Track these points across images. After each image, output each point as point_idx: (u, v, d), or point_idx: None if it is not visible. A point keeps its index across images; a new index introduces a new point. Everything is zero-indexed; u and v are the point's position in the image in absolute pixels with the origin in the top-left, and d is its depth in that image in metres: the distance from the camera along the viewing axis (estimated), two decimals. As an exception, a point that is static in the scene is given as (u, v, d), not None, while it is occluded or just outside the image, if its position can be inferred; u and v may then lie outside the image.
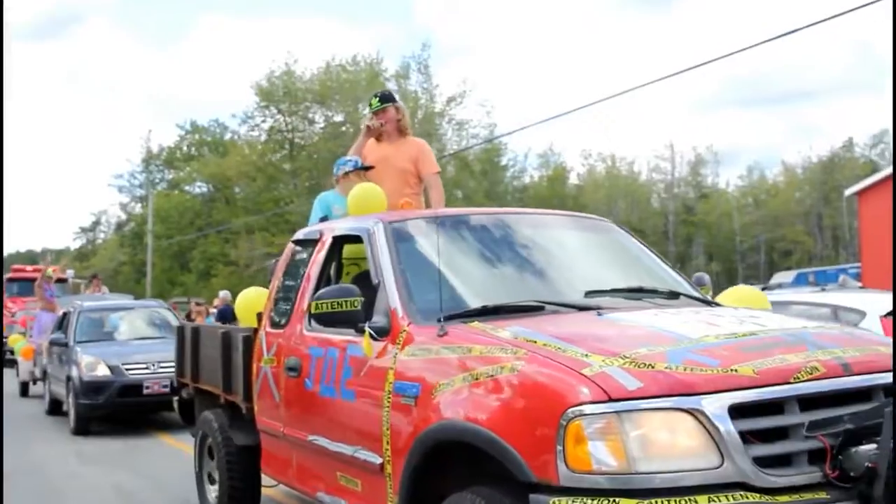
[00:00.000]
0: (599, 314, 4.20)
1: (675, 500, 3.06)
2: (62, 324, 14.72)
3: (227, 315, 16.75)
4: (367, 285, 4.67)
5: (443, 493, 3.81)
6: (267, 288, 6.58)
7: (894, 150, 45.19)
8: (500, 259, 4.97)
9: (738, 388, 3.25)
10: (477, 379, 3.66)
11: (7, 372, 18.54)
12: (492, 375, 3.59)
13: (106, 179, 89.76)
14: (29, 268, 32.48)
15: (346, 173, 6.82)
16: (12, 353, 19.81)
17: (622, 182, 68.61)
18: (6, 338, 21.27)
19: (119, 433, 12.55)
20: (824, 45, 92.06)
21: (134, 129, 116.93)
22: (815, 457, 3.25)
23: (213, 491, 6.75)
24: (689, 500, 3.06)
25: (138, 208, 64.43)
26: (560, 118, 36.14)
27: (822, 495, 3.18)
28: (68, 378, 12.98)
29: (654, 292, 4.79)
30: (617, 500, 3.09)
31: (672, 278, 5.24)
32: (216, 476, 6.62)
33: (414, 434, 3.93)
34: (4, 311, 23.77)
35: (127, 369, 12.64)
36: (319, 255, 5.55)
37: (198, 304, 23.77)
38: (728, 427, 3.14)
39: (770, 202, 68.70)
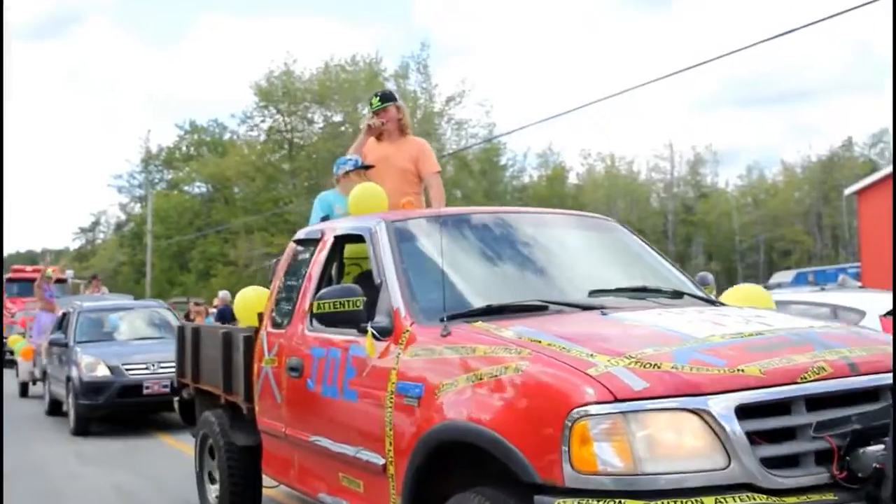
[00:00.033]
0: (604, 314, 4.17)
1: (682, 502, 3.03)
2: (62, 324, 14.68)
3: (226, 315, 16.75)
4: (368, 285, 4.65)
5: (446, 494, 3.79)
6: (265, 287, 6.56)
7: (894, 150, 45.15)
8: (502, 258, 4.94)
9: (744, 388, 3.22)
10: (481, 379, 3.63)
11: (7, 372, 18.49)
12: (496, 375, 3.57)
13: (105, 180, 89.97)
14: (28, 268, 32.44)
15: (347, 172, 6.79)
16: (12, 353, 19.78)
17: (621, 182, 68.59)
18: (6, 338, 21.24)
19: (119, 433, 12.52)
20: (823, 44, 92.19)
21: (133, 130, 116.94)
22: (823, 457, 3.22)
23: (213, 491, 6.72)
24: (696, 501, 3.03)
25: (137, 208, 64.43)
26: (559, 118, 36.08)
27: (830, 496, 3.15)
28: (68, 378, 12.95)
29: (658, 292, 4.77)
30: (623, 501, 3.06)
31: (676, 278, 5.22)
32: (217, 476, 6.59)
33: (417, 434, 3.90)
34: (4, 312, 23.71)
35: (127, 370, 12.61)
36: (321, 254, 5.52)
37: (196, 304, 23.75)
38: (735, 427, 3.11)
39: (769, 202, 68.70)
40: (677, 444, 3.14)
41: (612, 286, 4.72)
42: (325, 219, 6.38)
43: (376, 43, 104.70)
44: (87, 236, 75.20)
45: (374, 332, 4.37)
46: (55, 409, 14.48)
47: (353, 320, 4.48)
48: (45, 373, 15.34)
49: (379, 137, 7.12)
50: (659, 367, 3.29)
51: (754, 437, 3.15)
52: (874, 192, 33.02)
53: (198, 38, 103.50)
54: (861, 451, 3.17)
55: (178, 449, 10.82)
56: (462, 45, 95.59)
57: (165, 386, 12.11)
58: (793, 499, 3.12)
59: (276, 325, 5.78)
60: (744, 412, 3.16)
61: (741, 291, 5.33)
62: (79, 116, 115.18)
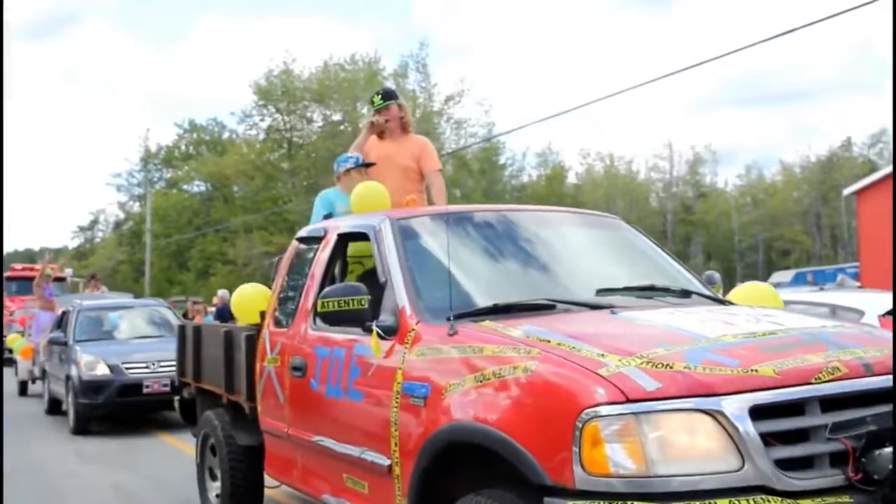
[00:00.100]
0: (613, 313, 4.12)
1: None
2: (61, 322, 14.63)
3: (224, 314, 16.72)
4: (372, 284, 4.58)
5: (452, 496, 3.73)
6: (263, 285, 6.51)
7: (894, 150, 45.15)
8: (508, 257, 4.89)
9: (758, 388, 3.17)
10: (489, 379, 3.58)
11: (6, 371, 18.43)
12: (504, 375, 3.51)
13: (104, 178, 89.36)
14: (18, 266, 32.41)
15: (348, 170, 6.75)
16: (11, 352, 19.72)
17: (620, 181, 68.55)
18: (5, 336, 21.18)
19: (119, 432, 12.47)
20: (822, 44, 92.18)
21: (132, 128, 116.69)
22: (837, 459, 3.17)
23: (214, 489, 6.67)
24: (710, 503, 2.98)
25: (136, 207, 64.34)
26: (558, 117, 36.00)
27: (845, 499, 3.10)
28: (67, 377, 12.88)
29: (666, 291, 4.72)
30: (635, 503, 3.01)
31: (683, 276, 5.17)
32: (218, 472, 6.54)
33: (423, 435, 3.85)
34: (4, 311, 23.65)
35: (127, 368, 12.55)
36: (324, 252, 5.47)
37: (195, 302, 23.72)
38: (749, 428, 3.06)
39: (768, 201, 68.68)
40: (690, 446, 3.09)
41: (619, 285, 4.66)
42: (327, 217, 6.33)
43: (375, 42, 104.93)
44: (86, 235, 75.15)
45: (379, 330, 4.32)
46: (54, 408, 14.43)
47: (357, 319, 4.42)
48: (44, 371, 15.28)
49: (381, 135, 7.09)
50: (671, 368, 3.24)
51: (768, 439, 3.10)
52: (873, 192, 33.01)
53: (197, 38, 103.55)
54: (877, 452, 3.12)
55: (178, 448, 10.78)
56: (461, 44, 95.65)
57: (165, 385, 12.04)
58: (808, 501, 3.07)
59: (278, 323, 5.73)
60: (757, 413, 3.11)
61: (749, 290, 5.24)
62: (78, 115, 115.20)
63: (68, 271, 29.90)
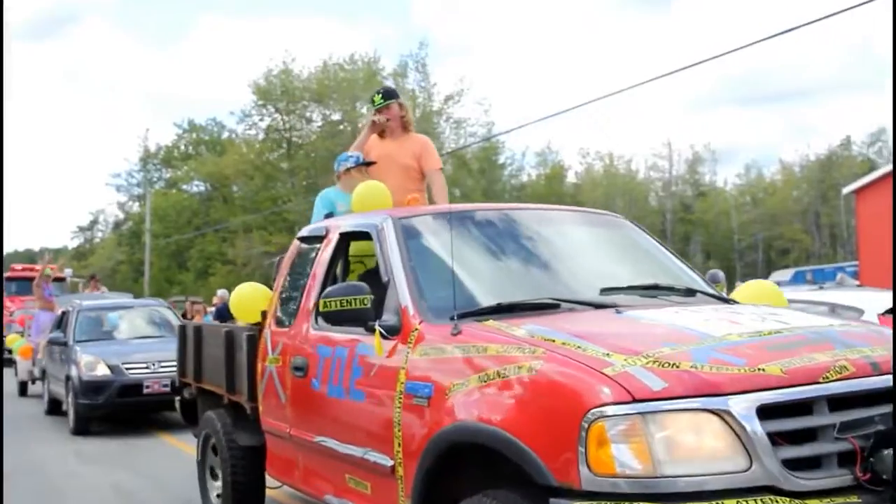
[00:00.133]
0: (618, 312, 4.09)
1: None
2: (61, 323, 14.60)
3: (224, 314, 16.67)
4: (373, 283, 4.56)
5: (456, 497, 3.72)
6: (262, 284, 6.48)
7: (894, 149, 45.16)
8: (512, 255, 4.86)
9: (765, 387, 3.14)
10: (493, 379, 3.55)
11: (5, 371, 18.40)
12: (509, 375, 3.49)
13: (104, 178, 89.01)
14: (18, 266, 32.39)
15: (348, 169, 6.73)
16: (10, 352, 19.69)
17: (620, 180, 68.54)
18: (4, 337, 21.16)
19: (119, 433, 12.44)
20: (822, 43, 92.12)
21: (131, 128, 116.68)
22: (845, 459, 3.15)
23: (216, 488, 6.64)
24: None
25: (136, 207, 64.30)
26: (558, 117, 36.01)
27: (854, 499, 3.08)
28: (67, 378, 12.85)
29: (670, 289, 4.69)
30: (642, 504, 2.99)
31: (687, 275, 5.14)
32: (219, 472, 6.51)
33: (427, 436, 3.82)
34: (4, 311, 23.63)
35: (127, 369, 12.51)
36: (325, 252, 5.45)
37: (194, 302, 23.70)
38: (756, 428, 3.04)
39: (768, 200, 68.68)
40: (697, 446, 3.06)
41: (623, 284, 4.63)
42: (328, 216, 6.31)
43: (375, 42, 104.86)
44: (86, 235, 75.11)
45: (382, 330, 4.29)
46: (54, 408, 14.39)
47: (360, 319, 4.39)
48: (44, 372, 15.25)
49: (381, 134, 7.07)
50: (677, 367, 3.21)
51: (775, 438, 3.08)
52: (872, 190, 33.00)
53: (196, 38, 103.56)
54: (885, 452, 3.09)
55: (179, 448, 10.76)
56: (460, 43, 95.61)
57: (166, 385, 12.01)
58: (815, 501, 3.04)
59: (280, 323, 5.71)
60: (765, 412, 3.08)
61: (753, 288, 5.21)
62: (77, 115, 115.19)
63: (68, 271, 29.90)
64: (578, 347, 3.44)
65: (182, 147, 64.84)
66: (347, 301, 4.33)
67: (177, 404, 7.95)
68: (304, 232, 6.03)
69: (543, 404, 3.30)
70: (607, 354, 3.33)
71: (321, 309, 4.44)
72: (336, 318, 4.46)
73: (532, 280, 4.69)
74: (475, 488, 3.61)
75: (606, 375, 3.18)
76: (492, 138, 53.56)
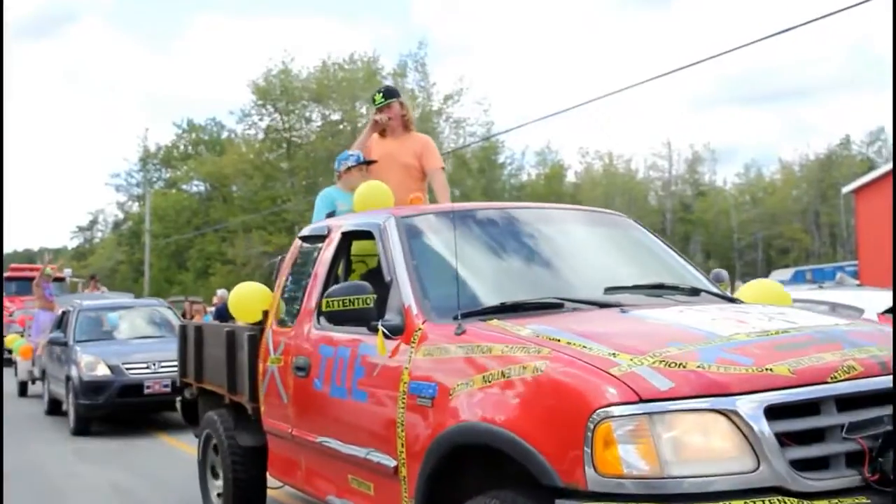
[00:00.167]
0: (623, 311, 4.06)
1: None
2: (61, 323, 14.57)
3: (224, 314, 16.64)
4: (376, 283, 4.52)
5: (460, 498, 3.69)
6: (261, 284, 6.45)
7: (894, 148, 45.15)
8: (515, 255, 4.84)
9: (773, 388, 3.12)
10: (497, 379, 3.52)
11: (5, 371, 18.38)
12: (514, 376, 3.46)
13: (103, 178, 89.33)
14: (17, 266, 32.36)
15: (349, 168, 6.70)
16: (10, 352, 19.66)
17: (619, 180, 68.55)
18: (4, 336, 21.14)
19: (119, 433, 12.42)
20: (821, 42, 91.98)
21: (131, 128, 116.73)
22: (853, 459, 3.12)
23: (217, 488, 6.62)
24: None
25: (135, 207, 64.29)
26: (557, 116, 36.00)
27: (862, 500, 3.04)
28: (68, 378, 12.82)
29: (675, 289, 4.67)
30: (648, 505, 2.96)
31: (691, 274, 5.12)
32: (220, 471, 6.49)
33: (431, 436, 3.79)
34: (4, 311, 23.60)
35: (127, 369, 12.48)
36: (327, 251, 5.42)
37: (193, 302, 23.71)
38: (764, 428, 3.01)
39: (767, 200, 68.68)
40: (705, 447, 3.04)
41: (627, 283, 4.60)
42: (330, 215, 6.28)
43: (374, 42, 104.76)
44: (85, 235, 75.15)
45: (385, 330, 4.26)
46: (54, 408, 14.37)
47: (362, 318, 4.36)
48: (44, 372, 15.22)
49: (382, 133, 7.05)
50: (684, 367, 3.18)
51: (783, 439, 3.05)
52: (872, 190, 32.99)
53: (195, 38, 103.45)
54: (893, 452, 3.07)
55: (179, 448, 10.75)
56: (460, 43, 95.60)
57: (166, 385, 12.01)
58: (823, 502, 3.02)
59: (281, 323, 5.68)
60: (772, 413, 3.06)
61: (758, 288, 5.18)
62: (76, 115, 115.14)
63: (67, 271, 29.86)
64: (584, 347, 3.41)
65: (181, 147, 64.79)
66: (350, 301, 4.31)
67: (177, 404, 7.92)
68: (306, 231, 6.00)
69: (549, 405, 3.28)
70: (613, 354, 3.30)
71: (324, 308, 4.41)
72: (339, 318, 4.43)
73: (536, 279, 4.67)
74: (480, 489, 3.59)
75: (613, 375, 3.16)
76: (491, 138, 53.58)
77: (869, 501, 3.05)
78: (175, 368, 8.08)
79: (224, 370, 6.30)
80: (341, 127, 52.48)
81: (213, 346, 6.68)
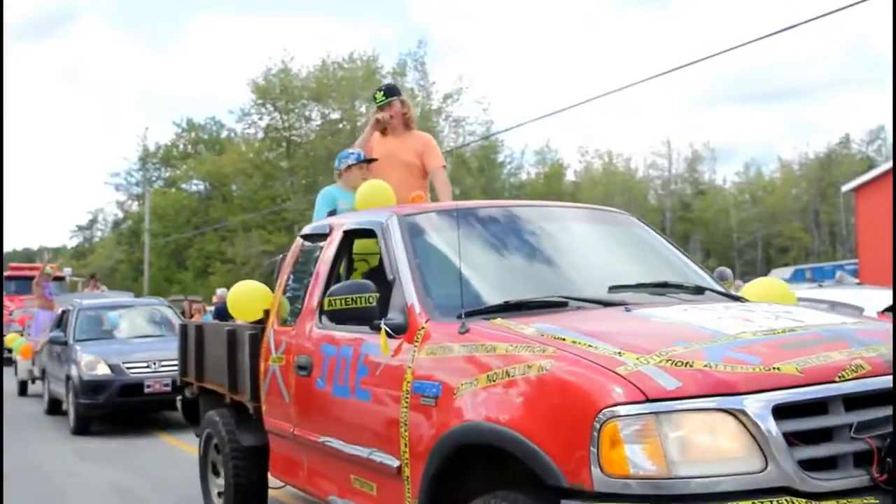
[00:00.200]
0: (628, 310, 4.03)
1: None
2: (61, 322, 14.54)
3: (223, 313, 16.63)
4: (377, 281, 4.49)
5: (464, 498, 3.67)
6: (259, 282, 6.43)
7: (894, 147, 45.15)
8: (518, 253, 4.81)
9: (781, 387, 3.09)
10: (502, 378, 3.49)
11: (5, 371, 18.35)
12: (518, 375, 3.43)
13: (103, 177, 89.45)
14: (17, 265, 32.31)
15: (349, 166, 6.66)
16: (10, 351, 19.63)
17: (619, 179, 68.56)
18: (4, 336, 21.10)
19: (119, 432, 12.39)
20: (821, 41, 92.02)
21: (130, 127, 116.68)
22: (862, 459, 3.09)
23: (217, 486, 6.59)
24: None
25: (135, 206, 64.27)
26: (557, 115, 35.97)
27: (870, 500, 3.02)
28: (68, 377, 12.78)
29: (679, 287, 4.63)
30: (655, 505, 2.93)
31: (695, 273, 5.09)
32: (221, 469, 6.46)
33: (435, 436, 3.76)
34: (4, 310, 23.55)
35: (127, 368, 12.44)
36: (329, 250, 5.39)
37: (192, 301, 23.69)
38: (772, 428, 2.98)
39: (767, 199, 68.70)
40: (712, 447, 3.01)
41: (631, 281, 4.57)
42: (331, 214, 6.25)
43: (374, 41, 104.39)
44: (85, 234, 75.16)
45: (388, 329, 4.23)
46: (54, 407, 14.33)
47: (365, 317, 4.33)
48: (44, 371, 15.18)
49: (383, 132, 7.01)
50: (691, 366, 3.15)
51: (791, 439, 3.02)
52: (871, 188, 33.01)
53: (195, 37, 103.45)
54: None
55: (179, 448, 10.72)
56: (459, 42, 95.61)
57: (167, 385, 11.97)
58: (831, 502, 2.99)
59: (283, 322, 5.65)
60: (780, 412, 3.03)
61: (762, 286, 5.15)
62: (76, 114, 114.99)
63: (67, 270, 29.79)
64: (589, 346, 3.38)
65: (181, 146, 64.78)
66: (353, 299, 4.28)
67: (178, 404, 7.89)
68: (308, 230, 5.97)
69: (554, 404, 3.25)
70: (619, 353, 3.27)
71: (326, 307, 4.39)
72: (341, 317, 4.40)
73: (539, 278, 4.64)
74: (483, 489, 3.56)
75: (619, 374, 3.13)
76: (491, 137, 53.58)
77: (877, 502, 3.02)
78: (175, 367, 8.04)
79: (225, 369, 6.27)
80: (341, 126, 52.50)
81: (214, 346, 6.65)
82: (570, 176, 71.83)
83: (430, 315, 4.18)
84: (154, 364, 12.39)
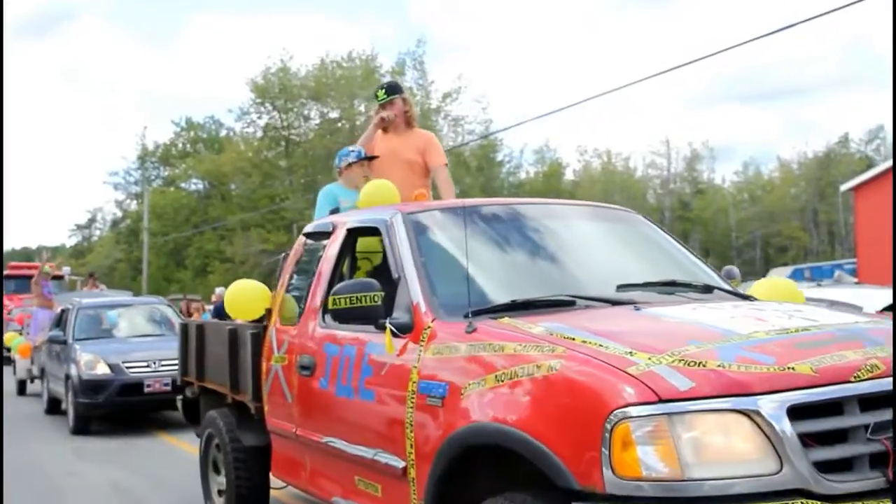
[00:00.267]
0: (637, 309, 3.97)
1: None
2: (60, 321, 14.47)
3: (222, 312, 16.58)
4: (381, 280, 4.44)
5: (470, 500, 3.62)
6: (257, 281, 6.37)
7: (894, 146, 45.13)
8: (524, 251, 4.76)
9: (796, 387, 3.04)
10: (510, 378, 3.44)
11: (5, 370, 18.30)
12: (527, 375, 3.37)
13: (101, 176, 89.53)
14: (16, 264, 32.25)
15: (349, 164, 6.62)
16: (9, 350, 19.57)
17: (618, 178, 68.49)
18: (3, 335, 21.04)
19: (118, 432, 12.34)
20: (820, 40, 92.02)
21: (129, 126, 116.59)
22: (877, 460, 3.05)
23: (218, 484, 6.54)
24: None
25: (134, 205, 64.16)
26: (556, 114, 35.97)
27: (886, 502, 2.97)
28: (67, 376, 12.71)
29: (687, 286, 4.58)
30: (668, 508, 2.88)
31: (703, 271, 5.04)
32: (221, 468, 6.41)
33: (442, 437, 3.71)
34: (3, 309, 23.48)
35: (127, 367, 12.36)
36: (332, 248, 5.34)
37: (192, 300, 23.63)
38: (787, 429, 2.94)
39: (766, 198, 68.62)
40: (726, 448, 2.96)
41: (639, 280, 4.52)
42: (333, 212, 6.20)
43: (373, 40, 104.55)
44: (84, 233, 75.15)
45: (393, 328, 4.18)
46: (54, 407, 14.26)
47: (370, 316, 4.27)
48: (43, 370, 15.11)
49: (385, 130, 6.98)
50: (704, 366, 3.10)
51: (805, 440, 2.97)
52: (870, 188, 33.03)
53: (194, 36, 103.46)
54: None
55: (179, 447, 10.68)
56: (458, 41, 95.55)
57: (167, 384, 11.90)
58: (848, 505, 2.94)
59: (285, 321, 5.59)
60: (795, 413, 2.98)
61: (770, 285, 5.11)
62: (75, 113, 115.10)
63: (66, 269, 29.73)
64: (600, 346, 3.32)
65: (180, 145, 64.65)
66: (357, 298, 4.22)
67: (178, 403, 7.84)
68: (310, 227, 5.91)
69: (564, 404, 3.19)
70: (630, 353, 3.22)
71: (330, 306, 4.33)
72: (345, 316, 4.33)
73: (546, 276, 4.58)
74: (491, 491, 3.51)
75: (630, 375, 3.07)
76: (490, 136, 53.51)
77: (893, 504, 2.97)
78: (175, 367, 7.99)
79: (226, 369, 6.21)
80: (340, 125, 52.44)
81: (215, 345, 6.59)
82: (568, 175, 71.84)
83: (436, 314, 4.12)
84: (154, 363, 12.32)
